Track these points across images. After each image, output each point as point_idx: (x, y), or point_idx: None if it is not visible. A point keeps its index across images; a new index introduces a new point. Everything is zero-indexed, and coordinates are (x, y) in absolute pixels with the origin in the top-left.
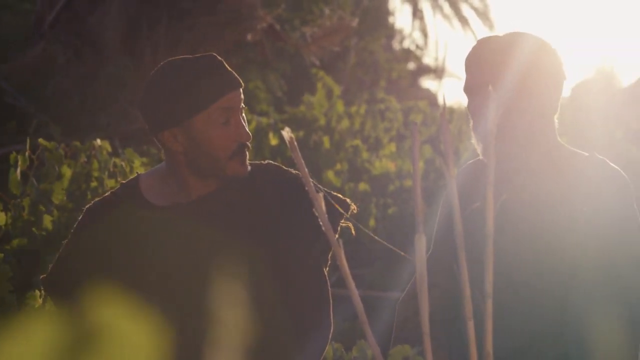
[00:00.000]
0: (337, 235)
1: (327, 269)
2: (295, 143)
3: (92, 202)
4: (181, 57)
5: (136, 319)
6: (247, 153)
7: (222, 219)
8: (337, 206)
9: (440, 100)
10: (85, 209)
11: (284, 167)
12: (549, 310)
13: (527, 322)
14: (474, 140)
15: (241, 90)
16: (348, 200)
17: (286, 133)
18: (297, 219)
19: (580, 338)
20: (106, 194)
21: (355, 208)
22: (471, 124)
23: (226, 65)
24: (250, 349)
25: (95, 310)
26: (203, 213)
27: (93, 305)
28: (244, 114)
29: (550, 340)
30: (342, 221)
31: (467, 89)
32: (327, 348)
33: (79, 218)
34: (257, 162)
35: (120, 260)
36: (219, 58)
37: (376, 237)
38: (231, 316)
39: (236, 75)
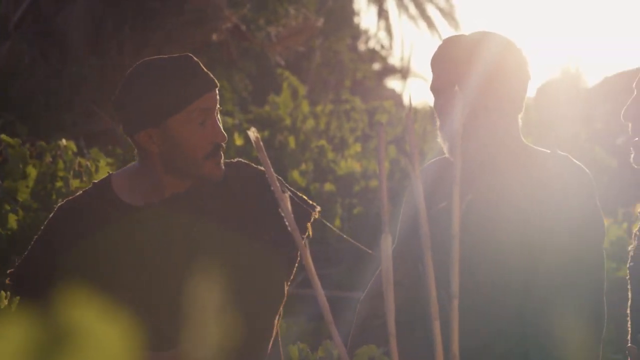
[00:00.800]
0: (304, 236)
1: (289, 282)
2: (261, 143)
3: (64, 200)
4: (157, 57)
5: (109, 319)
6: (222, 154)
7: (196, 218)
8: (305, 206)
9: (406, 101)
10: (56, 207)
11: (253, 164)
12: (510, 310)
13: (488, 322)
14: (440, 140)
15: (216, 91)
16: (313, 203)
17: (252, 133)
18: (270, 217)
19: (540, 338)
20: (78, 193)
21: (318, 213)
22: (437, 123)
23: (202, 66)
24: (227, 349)
25: (66, 309)
26: (176, 211)
27: (64, 305)
28: (218, 115)
29: (512, 339)
30: (309, 223)
31: (434, 89)
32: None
33: (50, 216)
34: (227, 160)
35: (93, 259)
36: (195, 59)
37: (349, 238)
38: (207, 315)
39: (212, 75)
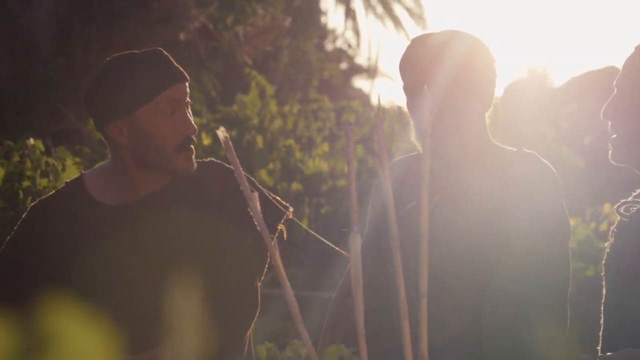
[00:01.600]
0: (274, 236)
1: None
2: (230, 143)
3: (37, 201)
4: (128, 52)
5: (85, 322)
6: (193, 149)
7: (171, 218)
8: (278, 206)
9: (373, 100)
10: (29, 207)
11: (226, 164)
12: (471, 310)
13: (447, 322)
14: (413, 139)
15: (187, 84)
16: (286, 203)
17: (221, 133)
18: (246, 217)
19: (500, 338)
20: (51, 193)
21: (291, 214)
22: (411, 123)
23: (172, 59)
24: (205, 351)
25: (41, 312)
26: (152, 212)
27: (39, 308)
28: (189, 109)
29: (473, 340)
30: (280, 223)
31: (405, 89)
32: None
33: (23, 217)
34: (200, 160)
35: (66, 259)
36: (165, 53)
37: (322, 239)
38: (185, 317)
39: (182, 69)
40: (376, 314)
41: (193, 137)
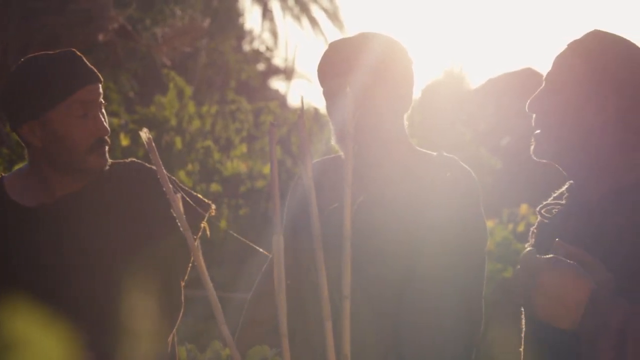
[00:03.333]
0: (196, 237)
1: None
2: (153, 144)
3: None
4: (42, 53)
5: (4, 321)
6: (106, 147)
7: (89, 219)
8: (199, 205)
9: (290, 101)
10: None
11: (147, 164)
12: (387, 313)
13: (367, 323)
14: (334, 142)
15: (100, 85)
16: (207, 201)
17: (144, 134)
18: (165, 216)
19: (414, 341)
20: None
21: (214, 210)
22: (331, 127)
23: (85, 60)
24: (126, 347)
25: None
26: (70, 213)
27: None
28: (103, 110)
29: (389, 341)
30: (203, 222)
31: (325, 94)
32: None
33: None
34: (121, 160)
35: None
36: (78, 53)
37: (248, 242)
38: (105, 318)
39: (95, 70)
40: (290, 314)
41: (106, 137)
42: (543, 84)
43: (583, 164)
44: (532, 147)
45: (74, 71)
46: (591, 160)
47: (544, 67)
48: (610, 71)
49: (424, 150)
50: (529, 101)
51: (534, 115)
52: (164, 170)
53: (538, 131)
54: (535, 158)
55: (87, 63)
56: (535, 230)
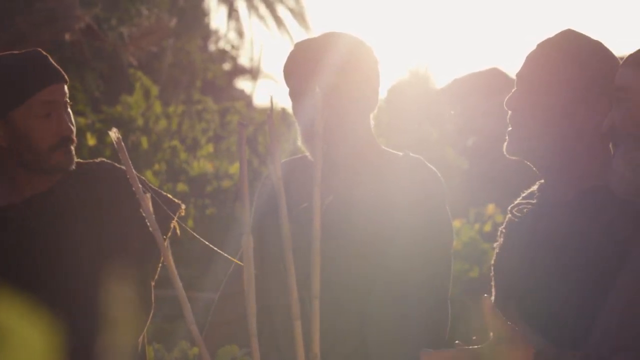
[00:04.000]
0: (166, 237)
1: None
2: (123, 144)
3: None
4: (7, 52)
5: None
6: (71, 146)
7: (57, 218)
8: (168, 205)
9: (256, 101)
10: None
11: (117, 165)
12: (354, 312)
13: (333, 323)
14: (300, 143)
15: (65, 85)
16: (177, 201)
17: (113, 134)
18: (134, 216)
19: (380, 341)
20: None
21: (183, 211)
22: (297, 127)
23: (50, 60)
24: (99, 347)
25: None
26: (38, 212)
27: None
28: (69, 109)
29: (355, 340)
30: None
31: (291, 94)
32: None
33: None
34: (90, 160)
35: None
36: (44, 53)
37: (203, 240)
38: (80, 317)
39: (60, 69)
40: (257, 314)
41: (72, 136)
42: (518, 83)
43: (555, 163)
44: (505, 144)
45: (38, 71)
46: (564, 160)
47: (510, 67)
48: (599, 73)
49: (391, 150)
50: (506, 98)
51: (509, 113)
52: (134, 171)
53: (511, 128)
54: (507, 155)
55: (53, 62)
56: (504, 230)
